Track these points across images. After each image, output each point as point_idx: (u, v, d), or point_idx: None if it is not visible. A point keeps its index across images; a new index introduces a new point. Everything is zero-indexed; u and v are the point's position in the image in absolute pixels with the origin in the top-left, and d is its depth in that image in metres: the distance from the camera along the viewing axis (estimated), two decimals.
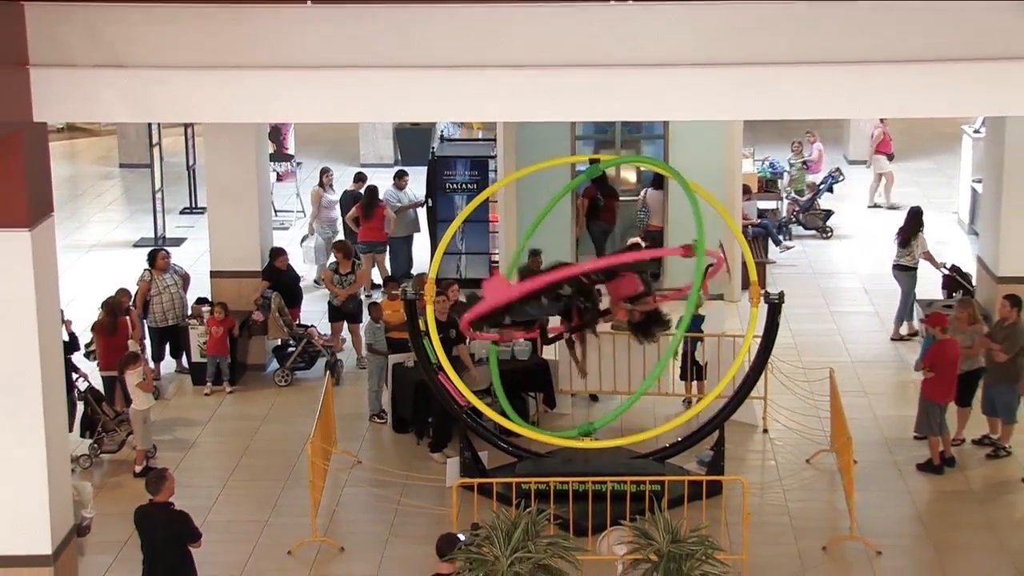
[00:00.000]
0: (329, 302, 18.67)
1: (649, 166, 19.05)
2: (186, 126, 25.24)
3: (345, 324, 18.60)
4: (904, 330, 19.03)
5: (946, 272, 19.41)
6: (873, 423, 16.14)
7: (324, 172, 22.37)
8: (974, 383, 15.61)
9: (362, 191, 21.62)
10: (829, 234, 24.00)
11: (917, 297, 19.06)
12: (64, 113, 10.73)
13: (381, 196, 21.30)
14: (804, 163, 25.35)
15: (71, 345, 15.53)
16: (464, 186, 21.30)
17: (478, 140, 24.79)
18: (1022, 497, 14.70)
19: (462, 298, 16.26)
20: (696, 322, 16.33)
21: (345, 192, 21.86)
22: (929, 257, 18.89)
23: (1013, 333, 15.28)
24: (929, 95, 10.38)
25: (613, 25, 10.12)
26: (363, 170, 24.39)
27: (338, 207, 21.85)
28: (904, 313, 19.01)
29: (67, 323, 15.50)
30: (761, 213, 22.89)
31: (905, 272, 18.94)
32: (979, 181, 21.30)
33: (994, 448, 15.56)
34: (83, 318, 17.53)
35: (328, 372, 17.32)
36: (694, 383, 16.75)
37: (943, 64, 10.07)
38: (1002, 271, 17.57)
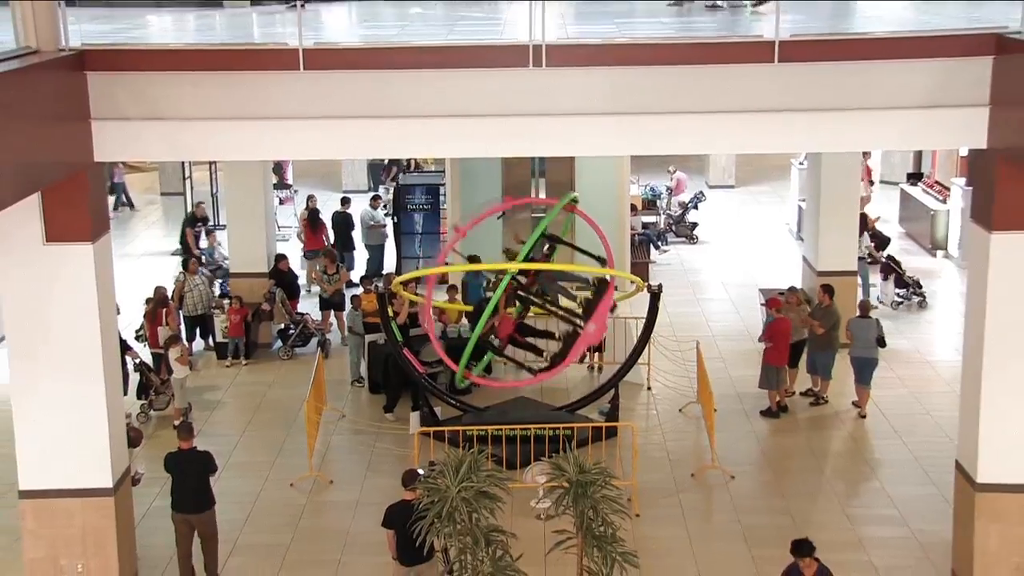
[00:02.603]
0: (320, 295, 18.56)
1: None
2: (211, 163, 24.95)
3: (332, 312, 18.48)
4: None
5: (883, 260, 19.62)
6: (728, 381, 16.26)
7: (309, 198, 22.11)
8: (801, 350, 15.82)
9: (349, 211, 21.48)
10: (695, 241, 24.16)
11: (760, 287, 19.32)
12: (117, 155, 10.54)
13: (360, 214, 21.27)
14: (668, 189, 25.55)
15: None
16: (421, 207, 21.17)
17: (432, 171, 24.60)
18: (835, 433, 14.88)
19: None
20: None
21: (335, 212, 21.67)
22: (871, 251, 18.85)
23: (828, 313, 15.49)
24: (765, 137, 10.47)
25: (536, 84, 10.13)
26: (346, 194, 24.22)
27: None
28: (864, 292, 18.71)
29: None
30: (645, 225, 23.00)
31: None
32: (803, 200, 21.51)
33: (816, 398, 15.76)
34: (135, 307, 17.36)
35: (319, 348, 17.24)
36: (596, 353, 16.81)
37: (776, 114, 10.16)
38: (820, 267, 17.72)
